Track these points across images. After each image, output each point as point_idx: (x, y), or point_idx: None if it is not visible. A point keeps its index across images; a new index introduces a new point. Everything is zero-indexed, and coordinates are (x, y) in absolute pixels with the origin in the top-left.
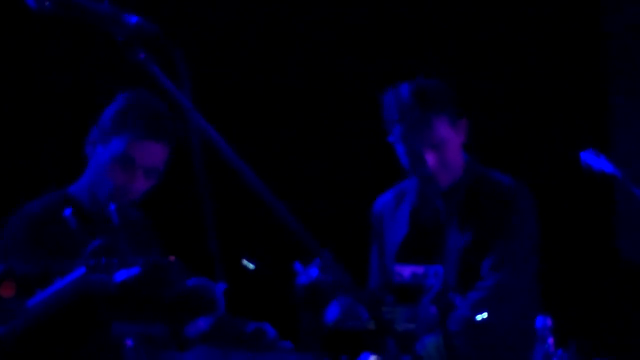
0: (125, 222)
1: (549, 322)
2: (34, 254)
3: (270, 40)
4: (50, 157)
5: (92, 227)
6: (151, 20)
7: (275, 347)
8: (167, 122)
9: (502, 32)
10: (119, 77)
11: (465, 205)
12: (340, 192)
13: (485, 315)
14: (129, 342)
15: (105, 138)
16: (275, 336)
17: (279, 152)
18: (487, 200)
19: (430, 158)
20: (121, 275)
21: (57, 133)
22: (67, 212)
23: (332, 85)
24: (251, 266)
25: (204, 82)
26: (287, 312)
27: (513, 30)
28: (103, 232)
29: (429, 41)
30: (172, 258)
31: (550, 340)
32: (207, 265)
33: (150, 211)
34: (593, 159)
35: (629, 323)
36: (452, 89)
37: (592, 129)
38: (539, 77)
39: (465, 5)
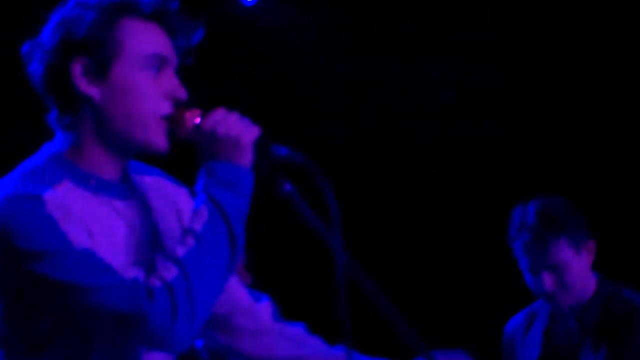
0: None
1: None
2: None
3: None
4: None
5: None
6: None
7: None
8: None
9: None
10: None
11: (598, 325)
12: (471, 313)
13: None
14: None
15: None
16: None
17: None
18: (621, 319)
19: (547, 280)
20: None
21: None
22: None
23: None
24: None
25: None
26: None
27: None
28: None
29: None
30: None
31: None
32: None
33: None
34: None
35: None
36: (580, 210)
37: None
38: None
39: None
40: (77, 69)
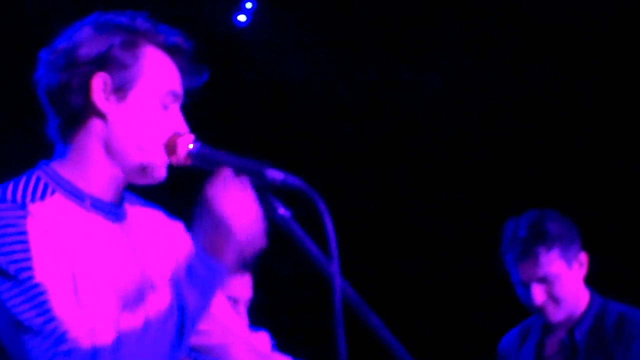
0: None
1: None
2: None
3: None
4: None
5: None
6: None
7: None
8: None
9: None
10: None
11: (590, 338)
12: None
13: None
14: None
15: None
16: None
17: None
18: (613, 332)
19: (537, 292)
20: None
21: None
22: None
23: None
24: None
25: None
26: None
27: None
28: None
29: None
30: None
31: None
32: None
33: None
34: None
35: None
36: (573, 223)
37: None
38: None
39: None
40: (98, 83)
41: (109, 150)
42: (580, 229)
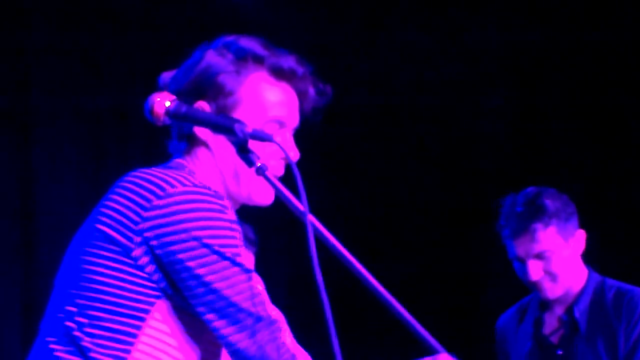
0: None
1: None
2: None
3: None
4: None
5: None
6: None
7: None
8: None
9: None
10: None
11: (590, 315)
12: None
13: None
14: None
15: None
16: None
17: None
18: (613, 308)
19: (533, 268)
20: None
21: None
22: None
23: None
24: None
25: None
26: None
27: None
28: None
29: None
30: None
31: None
32: None
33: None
34: None
35: None
36: (571, 200)
37: None
38: None
39: None
40: None
41: (212, 175)
42: (578, 207)
